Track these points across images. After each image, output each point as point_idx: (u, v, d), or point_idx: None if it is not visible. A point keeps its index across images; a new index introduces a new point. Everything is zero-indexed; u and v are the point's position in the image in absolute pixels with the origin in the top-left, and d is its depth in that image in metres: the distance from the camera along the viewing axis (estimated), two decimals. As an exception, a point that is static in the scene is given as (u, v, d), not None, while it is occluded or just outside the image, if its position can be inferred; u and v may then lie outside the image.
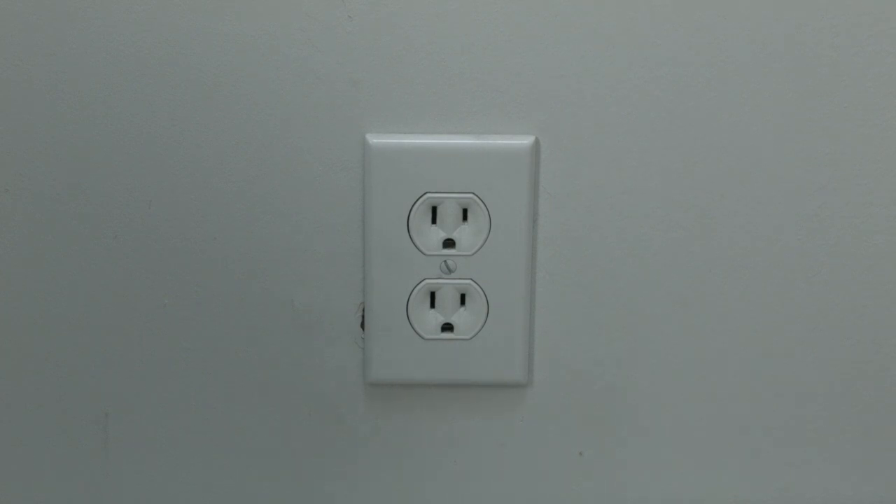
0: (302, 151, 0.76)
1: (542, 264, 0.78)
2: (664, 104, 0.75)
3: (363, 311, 0.79)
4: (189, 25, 0.74)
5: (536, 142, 0.76)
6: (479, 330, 0.78)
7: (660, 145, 0.76)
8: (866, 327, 0.79)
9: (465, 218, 0.77)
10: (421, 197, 0.76)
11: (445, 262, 0.77)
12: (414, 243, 0.77)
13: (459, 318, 0.78)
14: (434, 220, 0.77)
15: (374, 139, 0.76)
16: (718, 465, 0.82)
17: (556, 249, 0.78)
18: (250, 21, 0.74)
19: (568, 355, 0.80)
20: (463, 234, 0.77)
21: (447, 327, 0.79)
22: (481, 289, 0.78)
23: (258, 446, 0.82)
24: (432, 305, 0.78)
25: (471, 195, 0.76)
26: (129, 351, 0.79)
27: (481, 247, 0.77)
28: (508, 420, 0.81)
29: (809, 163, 0.76)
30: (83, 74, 0.74)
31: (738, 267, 0.78)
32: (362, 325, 0.79)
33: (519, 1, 0.74)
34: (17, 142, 0.76)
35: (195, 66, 0.74)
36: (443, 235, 0.77)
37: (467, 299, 0.78)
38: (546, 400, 0.81)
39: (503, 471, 0.82)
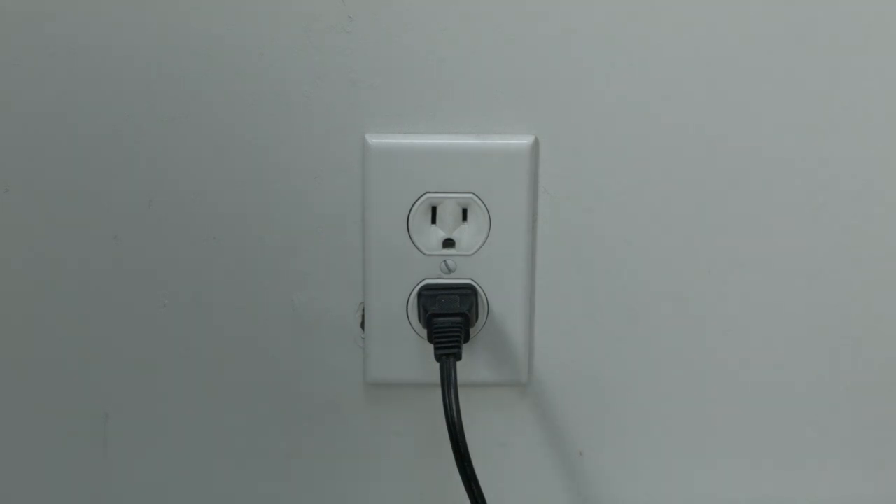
0: (302, 151, 0.76)
1: (541, 264, 0.78)
2: (664, 104, 0.75)
3: (363, 311, 0.79)
4: (189, 25, 0.74)
5: (536, 142, 0.76)
6: (480, 329, 0.78)
7: (660, 145, 0.76)
8: (866, 327, 0.79)
9: (464, 218, 0.77)
10: (421, 197, 0.76)
11: (445, 262, 0.77)
12: (414, 243, 0.77)
13: (460, 318, 0.78)
14: (434, 220, 0.77)
15: (374, 139, 0.76)
16: (718, 465, 0.82)
17: (556, 249, 0.78)
18: (250, 21, 0.74)
19: (568, 355, 0.80)
20: (463, 234, 0.77)
21: (447, 327, 0.79)
22: (481, 289, 0.78)
23: (258, 446, 0.82)
24: (433, 305, 0.78)
25: (470, 195, 0.76)
26: (129, 351, 0.79)
27: (481, 247, 0.77)
28: (508, 420, 0.81)
29: (809, 163, 0.76)
30: (83, 74, 0.74)
31: (738, 267, 0.78)
32: (362, 325, 0.79)
33: (519, 1, 0.74)
34: (17, 142, 0.76)
35: (195, 66, 0.74)
36: (443, 235, 0.77)
37: (467, 300, 0.78)
38: (546, 400, 0.81)
39: (503, 471, 0.82)
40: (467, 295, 0.77)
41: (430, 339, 0.76)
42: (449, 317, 0.76)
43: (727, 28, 0.74)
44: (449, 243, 0.77)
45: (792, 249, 0.78)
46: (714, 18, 0.74)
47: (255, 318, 0.79)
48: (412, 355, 0.79)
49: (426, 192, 0.76)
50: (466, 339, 0.76)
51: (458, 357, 0.75)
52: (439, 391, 0.73)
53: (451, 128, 0.76)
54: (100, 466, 0.82)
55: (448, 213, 0.77)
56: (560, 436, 0.82)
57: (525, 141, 0.76)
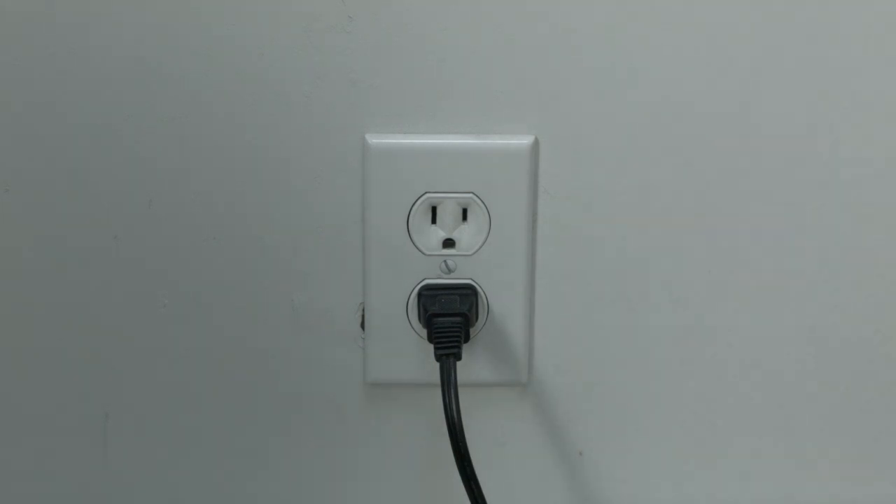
0: (302, 151, 0.76)
1: (542, 264, 0.78)
2: (664, 104, 0.75)
3: (363, 311, 0.79)
4: (189, 25, 0.74)
5: (536, 142, 0.76)
6: (480, 329, 0.78)
7: (660, 145, 0.76)
8: (866, 327, 0.79)
9: (464, 218, 0.77)
10: (421, 197, 0.76)
11: (445, 262, 0.77)
12: (414, 243, 0.77)
13: (460, 318, 0.78)
14: (434, 220, 0.77)
15: (374, 139, 0.76)
16: (718, 465, 0.82)
17: (556, 249, 0.78)
18: (250, 21, 0.74)
19: (568, 355, 0.80)
20: (463, 234, 0.77)
21: (447, 327, 0.79)
22: (481, 289, 0.78)
23: (258, 446, 0.81)
24: (432, 305, 0.78)
25: (470, 195, 0.76)
26: (129, 351, 0.79)
27: (481, 247, 0.77)
28: (508, 420, 0.81)
29: (810, 163, 0.76)
30: (83, 74, 0.74)
31: (738, 267, 0.78)
32: (362, 325, 0.79)
33: (519, 1, 0.74)
34: (17, 142, 0.76)
35: (195, 66, 0.74)
36: (443, 235, 0.77)
37: (467, 300, 0.78)
38: (546, 400, 0.81)
39: (503, 471, 0.82)
40: (467, 295, 0.77)
41: (430, 339, 0.76)
42: (449, 317, 0.76)
43: (727, 28, 0.74)
44: (449, 243, 0.77)
45: (792, 249, 0.78)
46: (714, 18, 0.74)
47: (255, 318, 0.79)
48: (412, 355, 0.79)
49: (426, 192, 0.76)
50: (466, 339, 0.76)
51: (458, 357, 0.75)
52: (439, 391, 0.73)
53: (451, 128, 0.76)
54: (100, 466, 0.82)
55: (448, 213, 0.77)
56: (560, 436, 0.82)
57: (525, 141, 0.76)
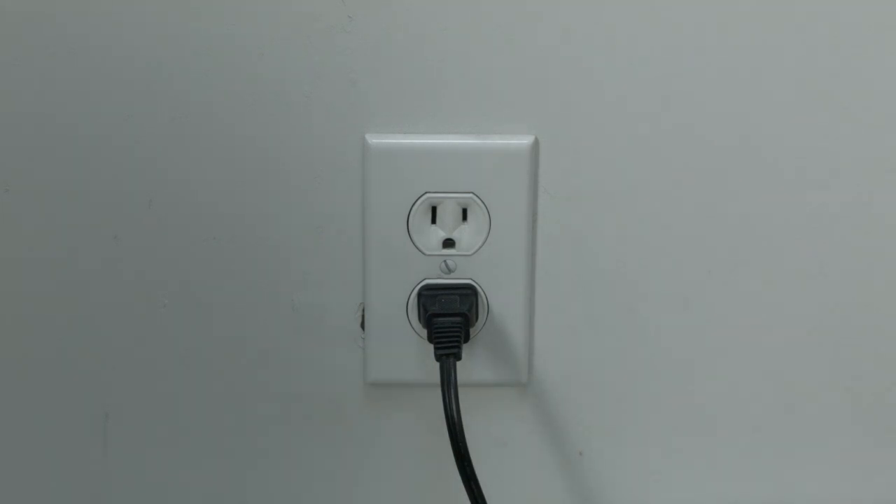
0: (302, 151, 0.76)
1: (541, 264, 0.78)
2: (664, 104, 0.75)
3: (363, 311, 0.79)
4: (189, 25, 0.74)
5: (536, 142, 0.76)
6: (480, 329, 0.78)
7: (660, 145, 0.76)
8: (867, 327, 0.79)
9: (465, 218, 0.77)
10: (420, 197, 0.76)
11: (445, 262, 0.77)
12: (414, 243, 0.77)
13: (459, 318, 0.78)
14: (434, 220, 0.77)
15: (374, 139, 0.76)
16: (718, 465, 0.82)
17: (556, 249, 0.78)
18: (250, 21, 0.74)
19: (568, 355, 0.80)
20: (463, 234, 0.77)
21: (447, 327, 0.79)
22: (481, 289, 0.78)
23: (258, 446, 0.81)
24: (432, 305, 0.78)
25: (470, 195, 0.76)
26: (129, 351, 0.79)
27: (481, 247, 0.77)
28: (508, 420, 0.81)
29: (809, 162, 0.76)
30: (83, 74, 0.74)
31: (739, 267, 0.78)
32: (362, 325, 0.79)
33: (519, 1, 0.74)
34: (18, 142, 0.76)
35: (195, 66, 0.74)
36: (442, 235, 0.77)
37: (467, 300, 0.78)
38: (546, 400, 0.81)
39: (503, 471, 0.82)
40: (467, 295, 0.77)
41: (430, 339, 0.76)
42: (449, 317, 0.76)
43: (727, 28, 0.74)
44: (449, 243, 0.77)
45: (792, 249, 0.78)
46: (714, 18, 0.74)
47: (255, 318, 0.79)
48: (412, 355, 0.79)
49: (426, 192, 0.76)
50: (466, 339, 0.76)
51: (458, 357, 0.75)
52: (439, 391, 0.73)
53: (451, 128, 0.76)
54: (100, 466, 0.82)
55: (448, 213, 0.77)
56: (560, 436, 0.82)
57: (525, 141, 0.76)
